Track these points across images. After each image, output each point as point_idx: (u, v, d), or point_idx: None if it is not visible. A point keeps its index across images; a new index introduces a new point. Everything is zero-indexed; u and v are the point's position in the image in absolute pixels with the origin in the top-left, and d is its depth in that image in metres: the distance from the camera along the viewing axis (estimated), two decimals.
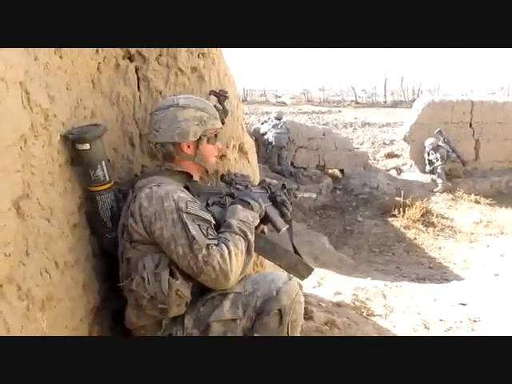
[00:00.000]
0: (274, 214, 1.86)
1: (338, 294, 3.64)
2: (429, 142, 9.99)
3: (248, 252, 1.58)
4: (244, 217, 1.63)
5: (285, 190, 1.98)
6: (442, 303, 3.93)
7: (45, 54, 1.47)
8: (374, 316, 3.38)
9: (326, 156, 10.34)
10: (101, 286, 1.73)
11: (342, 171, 10.59)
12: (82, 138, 1.58)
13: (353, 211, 8.87)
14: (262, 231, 1.94)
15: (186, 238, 1.50)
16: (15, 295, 1.23)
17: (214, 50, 2.08)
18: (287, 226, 1.89)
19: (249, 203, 1.69)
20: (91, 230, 1.72)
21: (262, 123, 10.27)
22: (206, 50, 2.04)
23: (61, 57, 1.57)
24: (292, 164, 9.94)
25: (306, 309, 2.99)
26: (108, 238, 1.70)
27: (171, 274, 1.53)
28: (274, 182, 2.04)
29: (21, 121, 1.30)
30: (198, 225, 1.53)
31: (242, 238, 1.57)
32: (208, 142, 1.77)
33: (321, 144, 10.29)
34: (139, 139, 1.94)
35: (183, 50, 1.98)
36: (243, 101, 22.59)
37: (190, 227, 1.51)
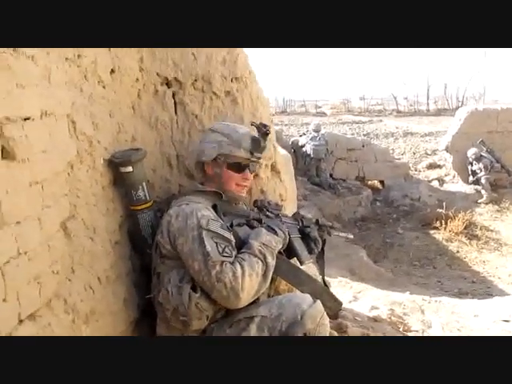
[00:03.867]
0: (300, 245, 1.87)
1: (374, 309, 3.63)
2: (471, 153, 9.77)
3: (264, 276, 1.61)
4: (267, 240, 1.66)
5: (318, 226, 2.00)
6: (483, 319, 3.84)
7: (89, 85, 1.60)
8: (411, 332, 3.35)
9: (366, 167, 10.28)
10: (141, 300, 1.82)
11: (382, 182, 10.48)
12: (125, 162, 1.70)
13: (393, 223, 8.76)
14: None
15: (202, 254, 1.56)
16: (62, 309, 1.34)
17: (246, 73, 2.17)
18: (311, 259, 1.91)
19: (275, 231, 1.73)
20: (132, 246, 1.83)
21: (301, 135, 10.33)
22: (239, 74, 2.13)
23: (104, 87, 1.69)
24: (331, 176, 9.93)
25: (340, 323, 3.01)
26: (149, 254, 1.78)
27: (193, 288, 1.60)
28: (309, 216, 2.05)
29: (68, 149, 1.43)
30: (216, 242, 1.58)
31: (259, 261, 1.61)
32: (231, 169, 1.80)
33: (360, 155, 10.25)
34: (176, 160, 2.05)
35: (217, 75, 2.08)
36: (283, 112, 22.68)
37: (206, 243, 1.57)
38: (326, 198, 8.93)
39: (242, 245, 1.68)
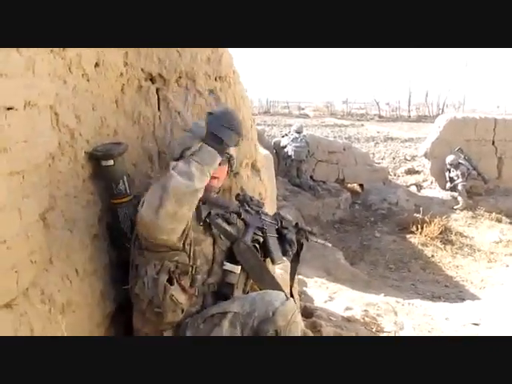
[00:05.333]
0: (274, 245, 1.89)
1: (348, 309, 3.70)
2: (450, 159, 9.97)
3: (164, 186, 1.46)
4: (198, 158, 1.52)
5: (296, 229, 2.03)
6: (453, 322, 3.95)
7: (73, 78, 1.60)
8: (383, 332, 3.42)
9: (346, 170, 10.40)
10: (118, 293, 1.83)
11: (361, 186, 10.61)
12: (107, 155, 1.71)
13: (371, 226, 8.88)
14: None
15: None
16: (38, 299, 1.35)
17: (230, 73, 2.20)
18: (284, 260, 1.93)
19: (222, 140, 1.54)
20: (111, 240, 1.84)
21: (283, 136, 10.38)
22: (223, 73, 2.16)
23: (88, 80, 1.70)
24: (311, 177, 10.01)
25: (314, 322, 3.06)
26: (127, 248, 1.77)
27: (169, 281, 1.61)
28: (289, 217, 2.07)
29: (50, 141, 1.44)
30: None
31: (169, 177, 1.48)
32: None
33: (341, 158, 10.36)
34: (158, 156, 2.06)
35: (201, 73, 2.11)
36: (266, 112, 22.74)
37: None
38: (306, 200, 9.00)
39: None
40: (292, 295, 1.90)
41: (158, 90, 2.07)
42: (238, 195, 1.97)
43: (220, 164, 1.82)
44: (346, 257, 7.06)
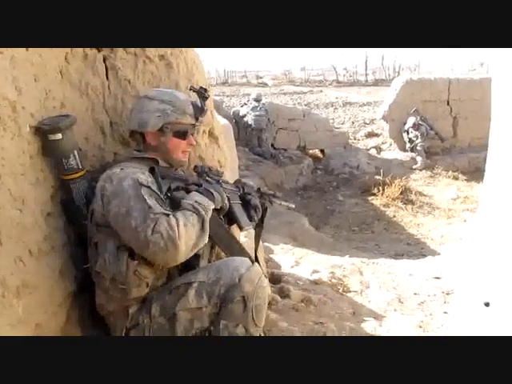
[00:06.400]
0: (239, 212, 1.88)
1: (315, 273, 3.74)
2: (411, 121, 10.12)
3: (202, 229, 1.55)
4: (199, 199, 1.62)
5: (259, 194, 2.03)
6: (417, 278, 4.07)
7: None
8: (350, 292, 3.49)
9: (307, 137, 10.42)
10: (78, 271, 1.77)
11: (322, 151, 10.69)
12: (54, 129, 1.62)
13: (333, 191, 9.00)
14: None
15: (142, 209, 1.49)
16: None
17: None
18: (251, 225, 1.94)
19: (212, 194, 1.69)
20: (67, 218, 1.76)
21: (242, 106, 10.27)
22: None
23: (27, 49, 1.59)
24: (272, 146, 10.00)
25: (282, 287, 3.09)
26: (84, 225, 1.72)
27: (131, 256, 1.56)
28: (251, 183, 2.07)
29: None
30: (155, 198, 1.55)
31: (193, 214, 1.55)
32: (177, 137, 1.78)
33: (301, 125, 10.36)
34: (110, 128, 1.97)
35: None
36: (224, 83, 22.40)
37: (146, 198, 1.51)
38: (268, 168, 9.00)
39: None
40: (257, 260, 1.90)
41: (105, 59, 1.96)
42: (195, 167, 1.93)
43: (183, 138, 1.81)
44: (311, 222, 7.14)
